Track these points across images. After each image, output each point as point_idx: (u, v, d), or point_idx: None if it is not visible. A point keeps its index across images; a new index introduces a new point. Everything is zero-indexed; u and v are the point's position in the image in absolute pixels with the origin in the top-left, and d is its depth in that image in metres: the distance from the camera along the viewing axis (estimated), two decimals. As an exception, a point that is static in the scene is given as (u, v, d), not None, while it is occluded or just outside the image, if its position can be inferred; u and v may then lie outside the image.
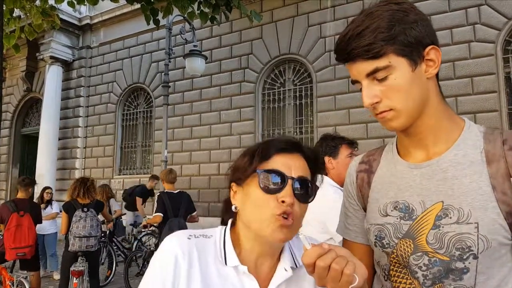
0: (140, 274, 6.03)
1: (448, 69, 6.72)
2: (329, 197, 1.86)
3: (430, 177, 0.87)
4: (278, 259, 0.88)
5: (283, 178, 0.82)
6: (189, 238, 0.85)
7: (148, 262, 5.26)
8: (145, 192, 7.73)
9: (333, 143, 2.07)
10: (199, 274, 0.81)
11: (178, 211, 4.74)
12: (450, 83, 6.71)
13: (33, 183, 5.12)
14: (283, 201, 0.80)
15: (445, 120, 0.88)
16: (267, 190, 0.81)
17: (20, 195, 4.89)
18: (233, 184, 0.90)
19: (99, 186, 6.95)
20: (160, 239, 4.82)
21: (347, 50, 0.83)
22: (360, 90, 0.87)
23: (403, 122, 0.84)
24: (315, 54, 8.09)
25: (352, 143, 2.10)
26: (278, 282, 0.85)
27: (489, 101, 6.45)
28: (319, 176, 2.05)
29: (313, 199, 0.86)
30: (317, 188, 0.88)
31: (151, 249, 5.54)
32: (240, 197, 0.87)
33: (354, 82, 0.87)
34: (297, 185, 0.82)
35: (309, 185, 0.85)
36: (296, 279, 0.87)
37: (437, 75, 0.88)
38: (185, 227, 4.69)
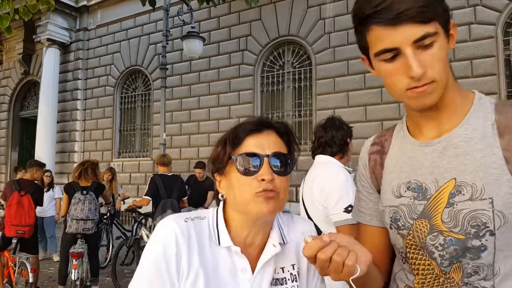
0: (125, 263, 5.35)
1: (449, 51, 6.65)
2: (341, 176, 1.96)
3: (442, 154, 0.84)
4: (268, 236, 0.90)
5: (258, 157, 0.84)
6: (186, 221, 0.87)
7: (133, 251, 5.15)
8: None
9: (348, 126, 2.16)
10: (197, 255, 0.84)
11: (171, 193, 4.79)
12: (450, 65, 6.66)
13: (38, 165, 5.14)
14: (263, 179, 0.82)
15: (457, 93, 0.86)
16: (246, 173, 0.84)
17: (26, 176, 5.01)
18: (216, 174, 0.92)
19: (106, 169, 6.96)
20: (153, 218, 4.85)
21: (398, 10, 0.73)
22: (369, 63, 0.84)
23: (438, 95, 0.79)
24: (314, 36, 8.00)
25: None
26: (267, 258, 0.87)
27: (488, 83, 6.41)
28: (326, 157, 2.08)
29: (291, 170, 0.88)
30: (295, 159, 0.90)
31: (137, 237, 5.40)
32: (224, 185, 0.90)
33: (385, 51, 0.77)
34: (273, 161, 0.84)
35: (286, 158, 0.87)
36: (284, 254, 0.90)
37: None
38: (177, 208, 4.73)
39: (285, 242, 0.91)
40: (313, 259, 0.73)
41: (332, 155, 2.10)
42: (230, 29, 9.01)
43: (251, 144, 0.85)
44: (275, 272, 0.89)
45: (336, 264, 0.71)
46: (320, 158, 2.14)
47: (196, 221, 0.89)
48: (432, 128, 0.87)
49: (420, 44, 0.75)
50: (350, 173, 2.04)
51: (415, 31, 0.75)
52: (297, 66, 8.34)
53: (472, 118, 0.84)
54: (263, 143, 0.85)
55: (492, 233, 0.77)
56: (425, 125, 0.88)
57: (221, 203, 0.94)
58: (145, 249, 0.86)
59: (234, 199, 0.86)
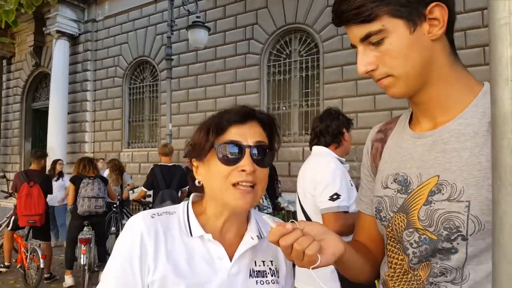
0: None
1: (460, 38, 6.46)
2: (331, 165, 1.98)
3: (431, 148, 0.81)
4: (244, 229, 0.92)
5: (240, 148, 0.84)
6: (152, 217, 0.87)
7: None
8: None
9: (346, 117, 2.16)
10: (165, 249, 0.84)
11: (170, 183, 4.79)
12: (461, 53, 6.31)
13: (44, 155, 5.34)
14: (243, 170, 0.83)
15: (455, 85, 0.80)
16: (227, 162, 0.84)
17: (33, 166, 5.17)
18: (193, 160, 0.92)
19: (109, 160, 7.08)
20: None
21: (338, 14, 0.79)
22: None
23: (403, 89, 0.79)
24: (322, 23, 7.85)
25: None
26: (245, 248, 0.88)
27: (501, 71, 6.23)
28: (321, 148, 2.11)
29: (271, 162, 0.89)
30: (275, 151, 0.92)
31: None
32: (203, 171, 0.90)
33: (353, 46, 0.82)
34: (254, 152, 0.85)
35: (267, 149, 0.88)
36: (261, 248, 0.92)
37: (451, 34, 0.79)
38: (177, 199, 4.75)
39: (262, 237, 0.92)
40: (277, 245, 0.75)
41: (326, 145, 2.11)
42: (236, 18, 8.92)
43: (234, 133, 0.86)
44: (256, 265, 0.90)
45: (296, 252, 0.73)
46: (315, 149, 2.16)
47: (164, 216, 0.89)
48: (427, 120, 0.84)
49: (369, 41, 0.77)
50: (342, 163, 2.05)
51: (358, 31, 0.77)
52: (305, 55, 8.22)
53: (470, 112, 0.78)
54: (246, 133, 0.86)
55: (464, 238, 0.73)
56: (421, 116, 0.85)
57: (191, 197, 0.95)
58: (115, 244, 0.86)
59: (211, 187, 0.87)
